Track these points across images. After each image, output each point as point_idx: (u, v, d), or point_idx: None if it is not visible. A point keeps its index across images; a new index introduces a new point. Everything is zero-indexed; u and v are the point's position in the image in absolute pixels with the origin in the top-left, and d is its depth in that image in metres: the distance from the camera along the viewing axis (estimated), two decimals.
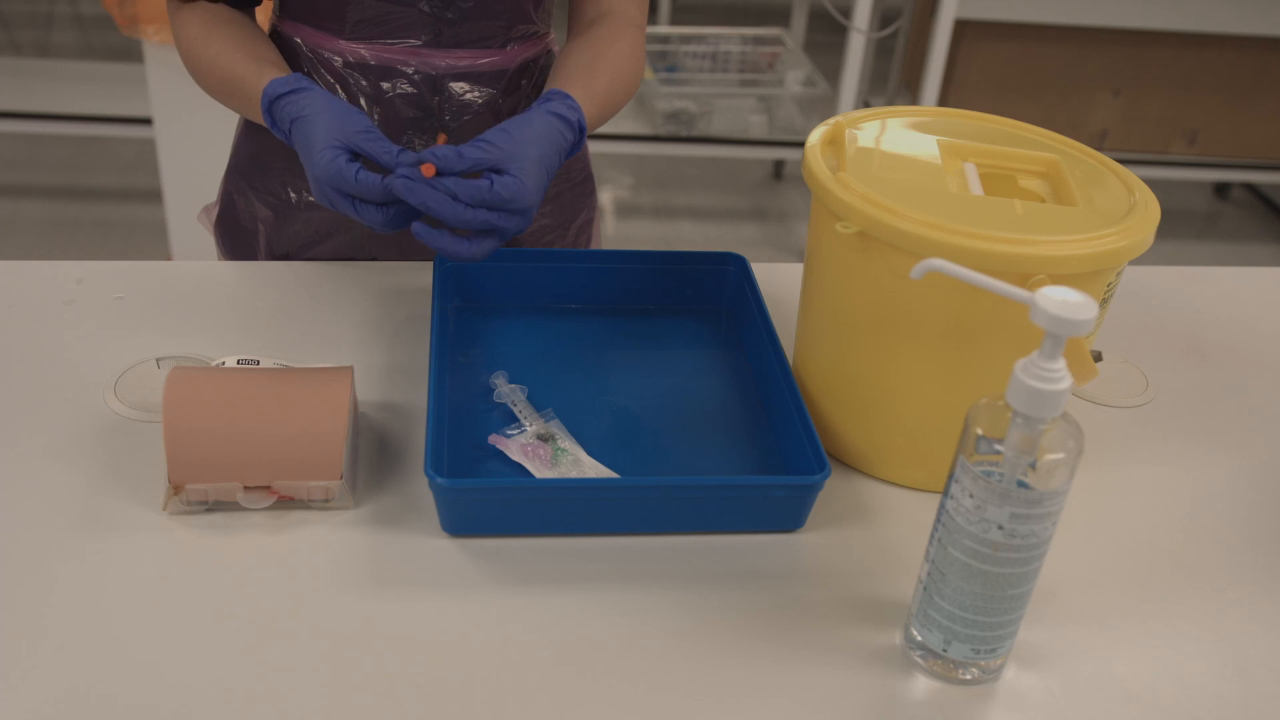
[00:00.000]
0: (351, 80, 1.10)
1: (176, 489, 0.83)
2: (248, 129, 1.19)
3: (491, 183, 0.88)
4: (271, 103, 0.98)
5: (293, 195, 1.17)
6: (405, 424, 0.95)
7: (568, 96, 0.98)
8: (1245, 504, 0.95)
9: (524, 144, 0.91)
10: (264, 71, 1.01)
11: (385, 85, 1.10)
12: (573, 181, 1.25)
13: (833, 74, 3.03)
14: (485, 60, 1.11)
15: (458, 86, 1.11)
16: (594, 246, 1.32)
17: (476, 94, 1.12)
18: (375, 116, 1.11)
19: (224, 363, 0.95)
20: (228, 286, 1.12)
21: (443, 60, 1.10)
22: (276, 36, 1.13)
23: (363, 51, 1.09)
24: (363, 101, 1.10)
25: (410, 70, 1.10)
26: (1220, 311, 1.23)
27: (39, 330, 1.03)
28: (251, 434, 0.82)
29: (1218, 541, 0.90)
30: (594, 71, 1.05)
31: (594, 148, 3.26)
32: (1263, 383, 1.11)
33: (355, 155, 0.92)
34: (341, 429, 0.83)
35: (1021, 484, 0.68)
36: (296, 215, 1.17)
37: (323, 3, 1.08)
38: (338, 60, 1.10)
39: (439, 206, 0.88)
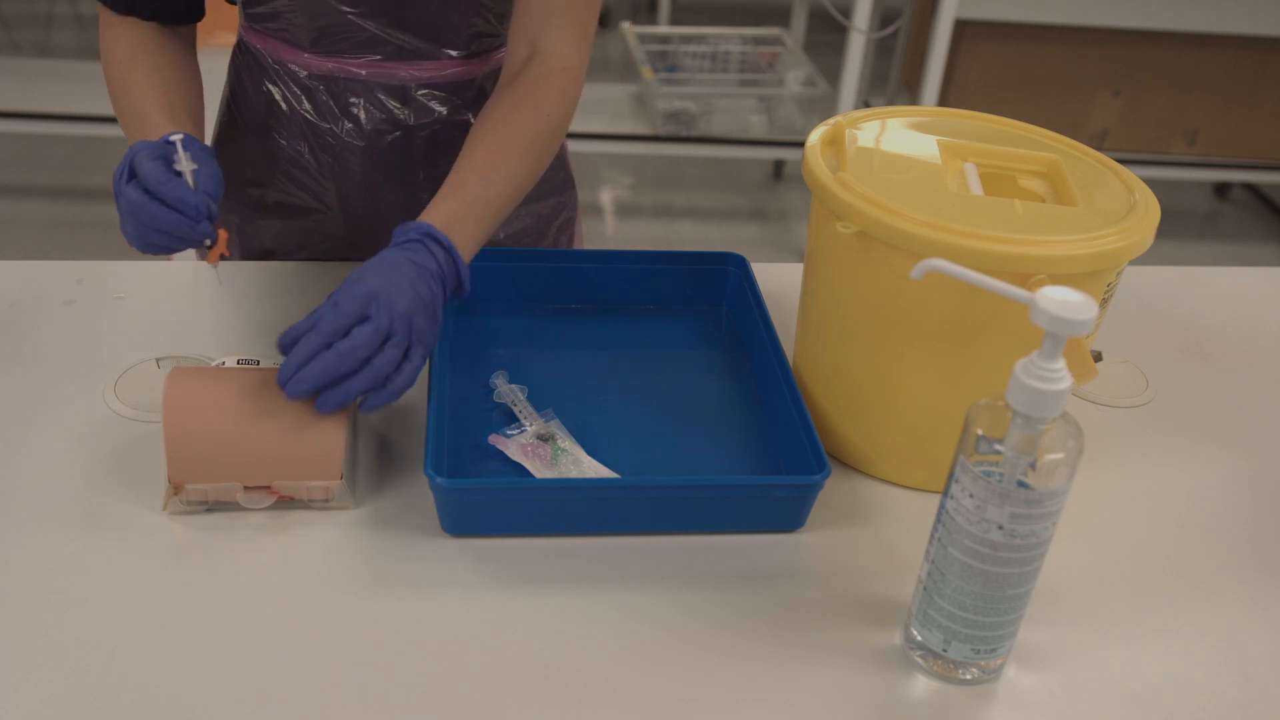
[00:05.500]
0: (317, 92, 1.10)
1: (176, 489, 0.83)
2: (218, 138, 1.19)
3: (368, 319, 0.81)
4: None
5: (261, 200, 1.17)
6: (405, 424, 0.95)
7: (436, 237, 0.88)
8: (1244, 504, 0.95)
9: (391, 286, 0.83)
10: (173, 119, 0.96)
11: (353, 99, 1.10)
12: (552, 185, 1.24)
13: (833, 74, 3.03)
14: (450, 71, 1.11)
15: (425, 95, 1.11)
16: (575, 245, 1.31)
17: (444, 104, 1.12)
18: (345, 127, 1.10)
19: (224, 363, 0.95)
20: (228, 286, 1.12)
21: (406, 72, 1.09)
22: (243, 47, 1.13)
23: (328, 65, 1.08)
24: (334, 109, 1.10)
25: (375, 83, 1.09)
26: (1220, 311, 1.23)
27: (39, 330, 1.03)
28: (251, 434, 0.82)
29: (1217, 541, 0.90)
30: (489, 168, 0.94)
31: (594, 148, 3.27)
32: (1263, 383, 1.11)
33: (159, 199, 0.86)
34: (341, 429, 0.83)
35: (1021, 484, 0.68)
36: (261, 225, 1.19)
37: (284, 20, 1.07)
38: (303, 73, 1.09)
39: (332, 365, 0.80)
